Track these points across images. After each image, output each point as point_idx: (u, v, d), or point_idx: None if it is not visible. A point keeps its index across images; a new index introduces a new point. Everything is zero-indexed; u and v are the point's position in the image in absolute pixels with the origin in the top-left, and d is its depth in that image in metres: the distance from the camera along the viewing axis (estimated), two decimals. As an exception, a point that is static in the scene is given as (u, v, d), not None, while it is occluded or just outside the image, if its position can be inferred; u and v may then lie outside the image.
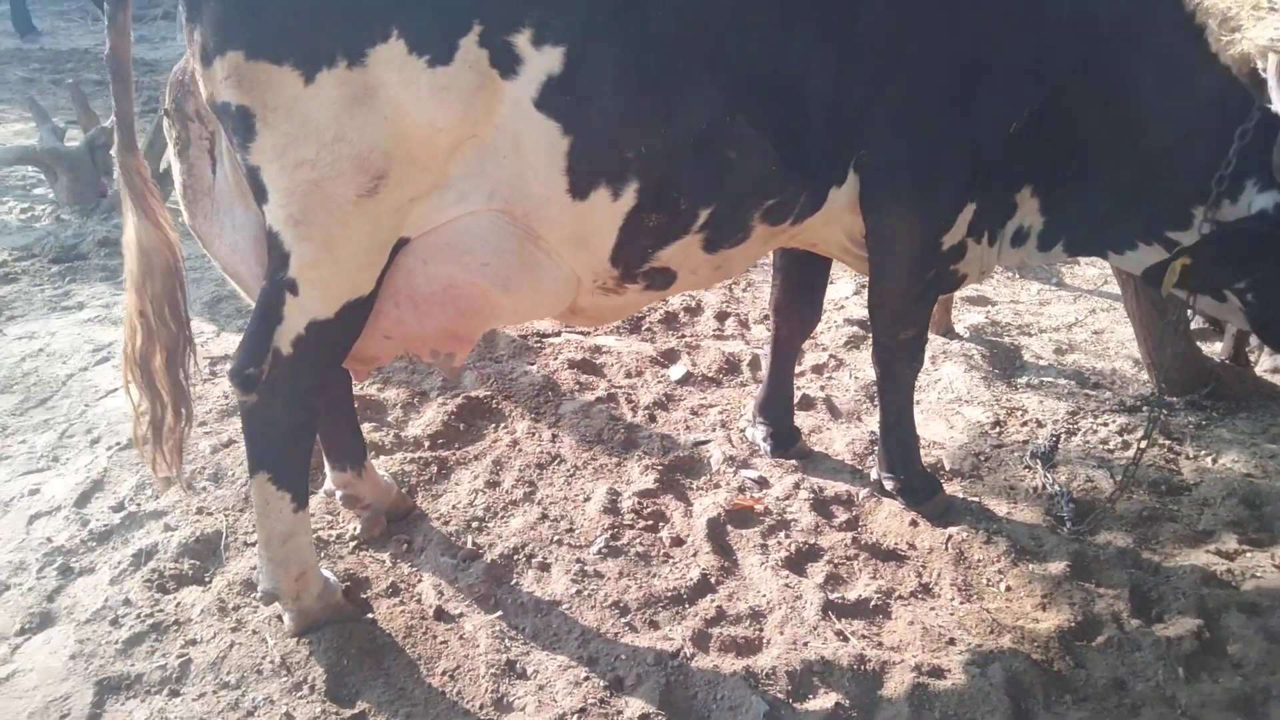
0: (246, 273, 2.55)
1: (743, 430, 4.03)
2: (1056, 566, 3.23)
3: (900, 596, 3.12)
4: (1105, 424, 4.16)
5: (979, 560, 3.29)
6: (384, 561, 3.22)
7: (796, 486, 3.63)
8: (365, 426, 3.73)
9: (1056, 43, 2.66)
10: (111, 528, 3.35)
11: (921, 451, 3.81)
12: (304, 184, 2.26)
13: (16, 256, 5.52)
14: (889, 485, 3.53)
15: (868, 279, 3.13)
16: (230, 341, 4.70)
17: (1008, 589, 3.17)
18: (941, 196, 2.82)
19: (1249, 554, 3.29)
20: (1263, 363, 4.62)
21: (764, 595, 3.08)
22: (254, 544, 3.29)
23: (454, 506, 3.49)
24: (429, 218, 2.44)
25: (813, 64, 2.48)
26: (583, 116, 2.30)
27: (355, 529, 3.33)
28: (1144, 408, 4.26)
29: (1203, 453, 3.95)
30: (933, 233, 2.88)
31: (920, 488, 3.50)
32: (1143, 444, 3.22)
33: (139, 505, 3.47)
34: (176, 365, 2.67)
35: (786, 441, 3.83)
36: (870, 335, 3.38)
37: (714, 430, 4.05)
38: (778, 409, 3.83)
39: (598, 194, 2.43)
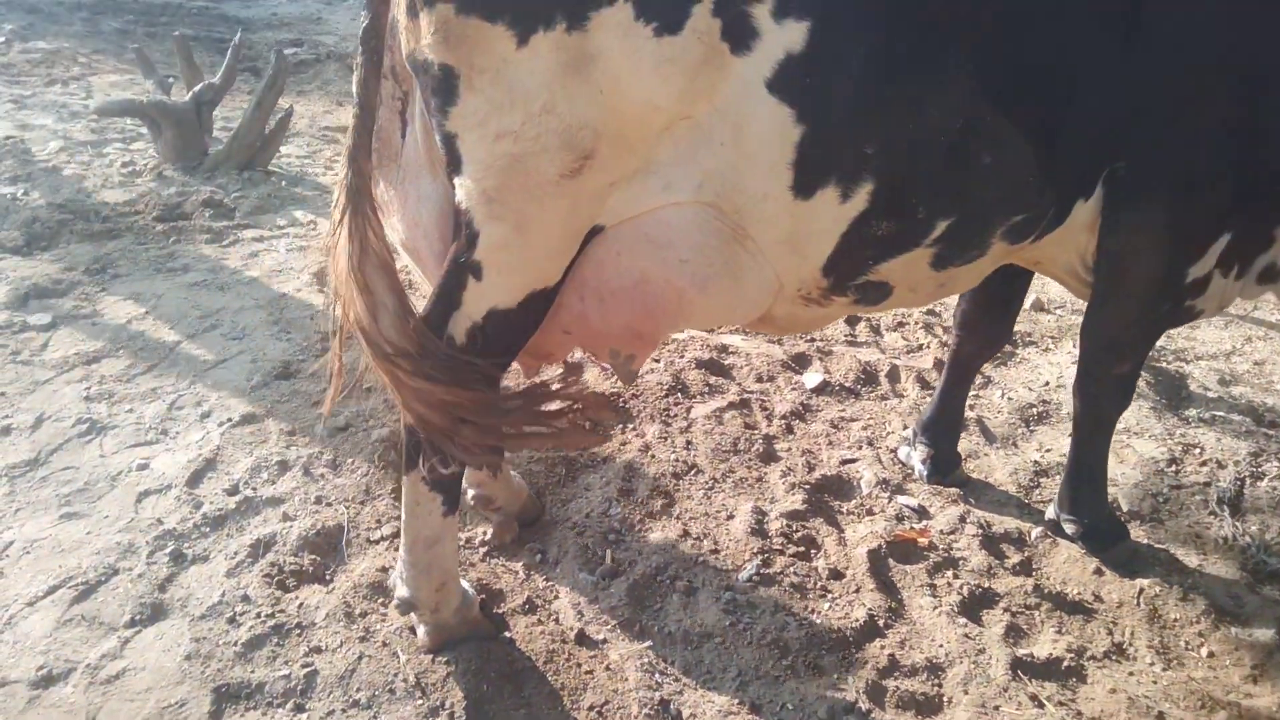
0: (427, 249, 2.27)
1: (894, 450, 3.70)
2: (1264, 633, 2.87)
3: (1093, 657, 2.78)
4: (1292, 469, 3.77)
5: (1175, 620, 2.93)
6: (517, 573, 2.96)
7: (962, 520, 3.29)
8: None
9: None
10: (226, 512, 3.12)
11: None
12: (504, 157, 1.97)
13: (121, 211, 5.33)
14: (1070, 529, 3.17)
15: (1088, 304, 2.76)
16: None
17: (1210, 655, 2.82)
18: (1199, 223, 2.45)
19: None
20: None
21: (941, 645, 2.76)
22: (377, 541, 3.06)
23: (587, 515, 3.21)
24: (628, 205, 2.14)
25: (1089, 56, 2.13)
26: (822, 103, 1.97)
27: (486, 534, 3.07)
28: (1334, 454, 3.86)
29: (1407, 510, 3.55)
30: (1180, 263, 2.52)
31: (1106, 533, 3.14)
32: None
33: (254, 490, 3.24)
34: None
35: (946, 467, 3.50)
36: (1078, 363, 2.99)
37: (860, 448, 3.73)
38: (944, 431, 3.49)
39: (825, 193, 2.10)
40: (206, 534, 3.04)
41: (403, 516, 2.48)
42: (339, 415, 3.69)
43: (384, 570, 2.91)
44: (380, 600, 2.80)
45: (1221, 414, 4.18)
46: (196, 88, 6.04)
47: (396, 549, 3.01)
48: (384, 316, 2.15)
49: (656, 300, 2.25)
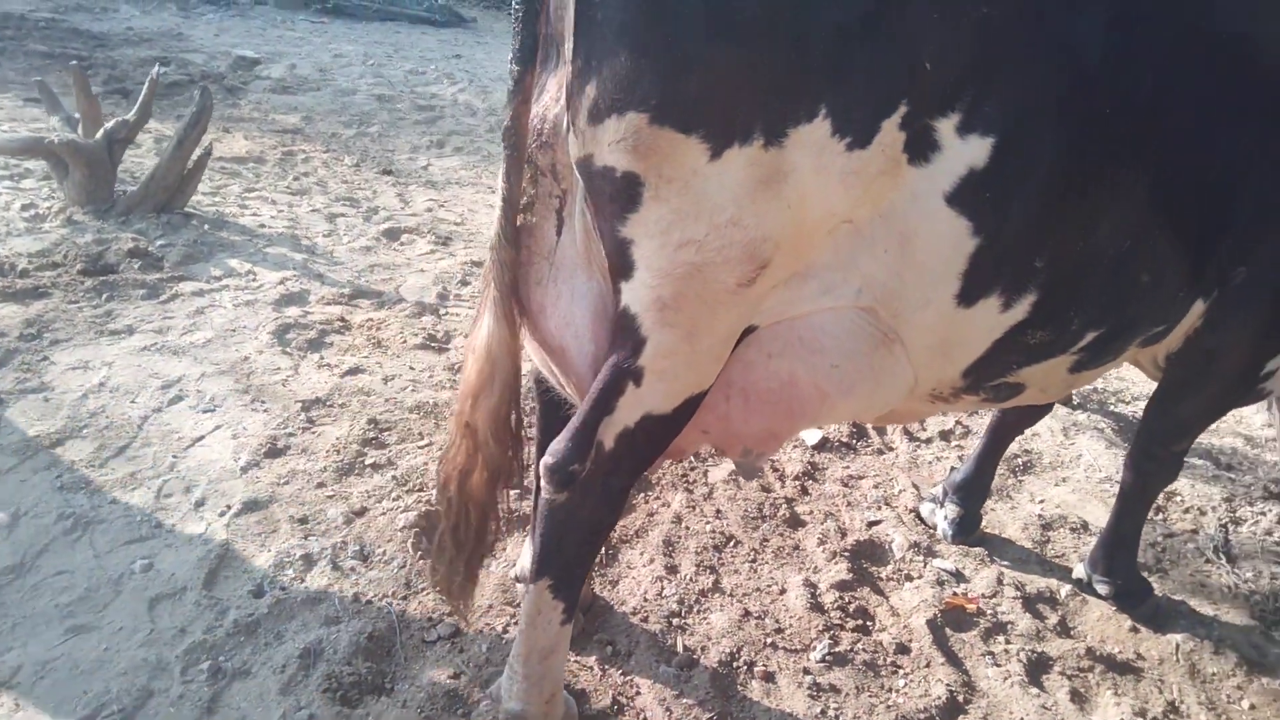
0: (575, 349, 2.15)
1: (915, 509, 3.77)
2: (1292, 682, 3.08)
3: (1156, 718, 2.90)
4: (1264, 512, 4.05)
5: (1214, 674, 3.10)
6: (592, 668, 2.84)
7: (1000, 581, 3.38)
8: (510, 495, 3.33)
9: None
10: (258, 618, 2.87)
11: (1092, 539, 3.66)
12: (684, 266, 1.89)
13: (37, 265, 4.85)
14: (1103, 589, 3.31)
15: (1158, 387, 2.89)
16: (314, 381, 4.21)
17: (1252, 708, 2.99)
18: None
19: None
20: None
21: (1022, 719, 2.82)
22: (433, 642, 2.88)
23: (643, 598, 3.12)
24: (783, 308, 2.09)
25: (1243, 176, 2.21)
26: (999, 217, 1.98)
27: (549, 627, 2.93)
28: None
29: (1365, 547, 3.88)
30: (1266, 356, 2.67)
31: (1134, 591, 3.29)
32: None
33: (284, 590, 2.99)
34: (497, 487, 2.26)
35: (971, 526, 3.59)
36: (1137, 440, 3.12)
37: (879, 508, 3.78)
38: (974, 493, 3.59)
39: (986, 303, 2.11)
40: (242, 644, 2.79)
41: (520, 626, 2.35)
42: (350, 497, 3.46)
43: (455, 677, 2.74)
44: (460, 712, 2.63)
45: (1187, 459, 4.46)
46: (108, 125, 5.57)
47: (455, 650, 2.85)
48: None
49: (801, 403, 2.21)
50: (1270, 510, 4.07)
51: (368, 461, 3.68)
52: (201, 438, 3.73)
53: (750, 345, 2.14)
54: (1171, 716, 2.93)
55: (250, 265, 5.35)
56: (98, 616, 2.84)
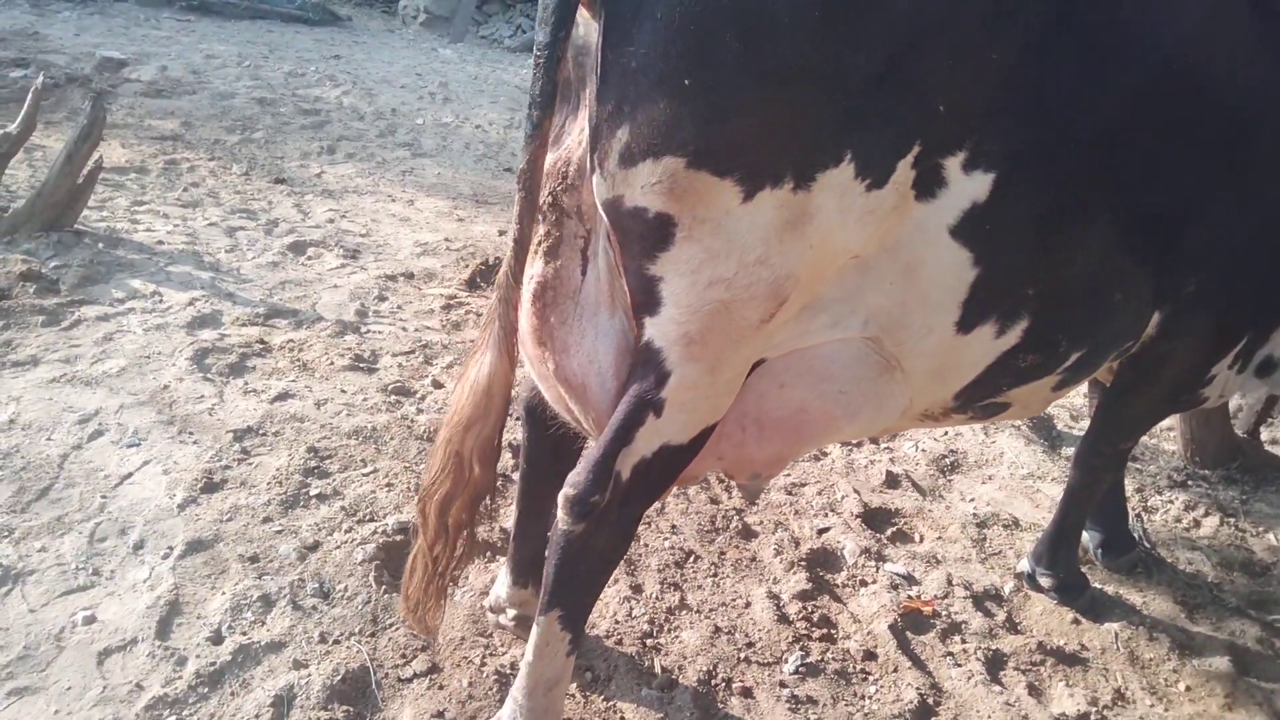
0: (598, 386, 2.16)
1: (859, 514, 3.88)
2: (1220, 662, 3.30)
3: (1107, 707, 3.07)
4: (1170, 501, 4.33)
5: (1151, 659, 3.30)
6: (574, 696, 2.82)
7: (949, 582, 3.52)
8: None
9: None
10: (220, 666, 2.74)
11: (1024, 534, 3.85)
12: (713, 303, 1.93)
13: (-81, 291, 4.50)
14: (1045, 582, 3.49)
15: (1104, 391, 3.07)
16: (242, 408, 4.04)
17: (1188, 689, 3.20)
18: (1235, 329, 2.79)
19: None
20: (1264, 435, 4.98)
21: (989, 717, 2.94)
22: (409, 679, 2.81)
23: (614, 620, 3.12)
24: (793, 339, 2.16)
25: (1203, 202, 2.36)
26: (998, 248, 2.09)
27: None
28: (1189, 483, 4.48)
29: (1260, 529, 4.19)
30: (1209, 361, 2.85)
31: (1074, 585, 3.48)
32: None
33: (245, 634, 2.86)
34: (476, 510, 2.23)
35: (1120, 549, 3.79)
36: (1086, 438, 3.30)
37: (826, 515, 3.87)
38: (1114, 516, 3.80)
39: (982, 330, 2.22)
40: (206, 695, 2.66)
41: (526, 659, 2.34)
42: (299, 531, 3.34)
43: (439, 715, 2.68)
44: (450, 750, 2.58)
45: (1093, 451, 4.73)
46: (-13, 137, 5.20)
47: (434, 687, 2.79)
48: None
49: (809, 428, 2.29)
50: (1177, 498, 4.36)
51: (312, 492, 3.56)
52: (130, 475, 3.53)
53: (763, 375, 2.20)
54: (1119, 704, 3.10)
55: (154, 286, 5.08)
56: (41, 677, 2.67)
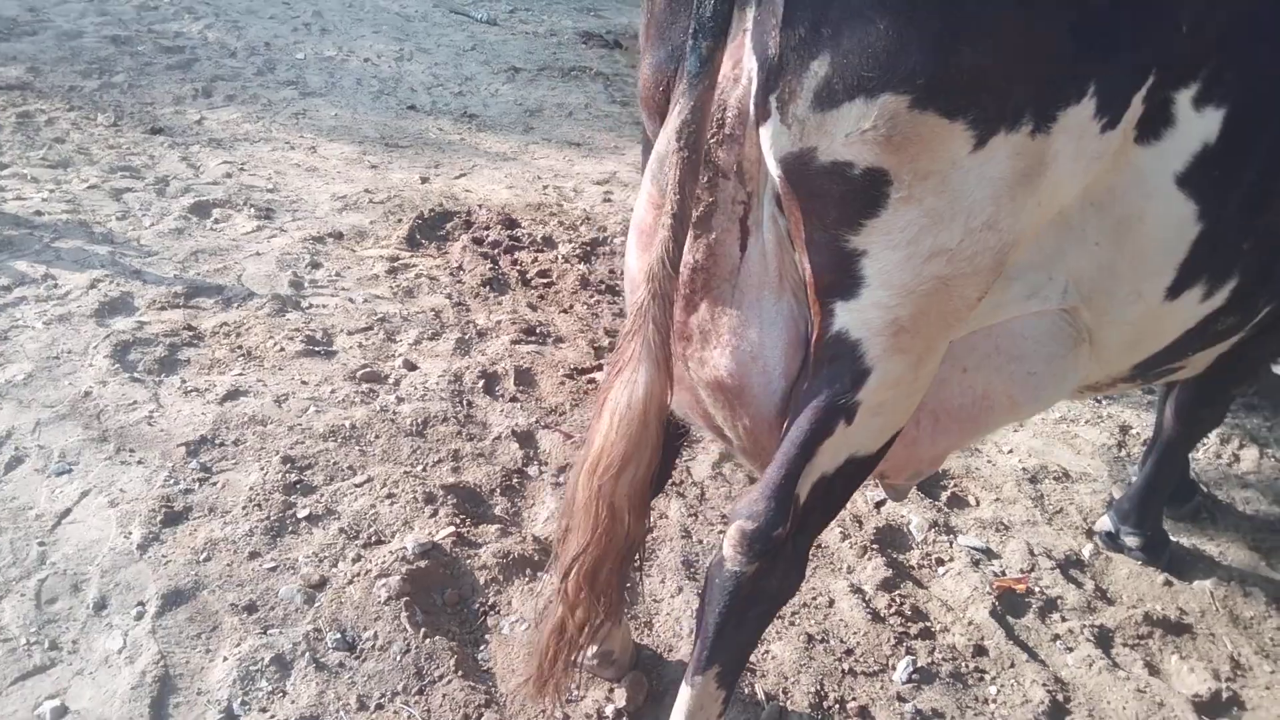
0: (760, 387, 1.70)
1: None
2: (1317, 613, 3.11)
3: (1229, 679, 2.82)
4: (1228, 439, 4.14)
5: (1252, 618, 3.08)
6: (677, 743, 2.39)
7: (1031, 552, 3.21)
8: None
9: None
10: (243, 758, 2.20)
11: (1077, 487, 3.60)
12: (931, 280, 1.49)
13: None
14: (1132, 542, 3.21)
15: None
16: (186, 414, 3.37)
17: (1295, 649, 2.99)
18: None
19: None
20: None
21: (1126, 709, 2.65)
22: (478, 747, 2.32)
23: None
24: (983, 316, 1.73)
25: None
26: (1225, 199, 1.70)
27: (612, 700, 2.45)
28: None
29: (1297, 457, 4.05)
30: None
31: (1160, 543, 3.23)
32: None
33: (265, 710, 2.31)
34: (629, 569, 1.75)
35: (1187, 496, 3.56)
36: (1194, 387, 2.99)
37: (874, 484, 3.51)
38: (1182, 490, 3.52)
39: (1191, 293, 1.84)
40: (233, 800, 2.12)
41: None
42: (297, 565, 2.76)
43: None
44: (554, 836, 2.12)
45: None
46: None
47: (510, 750, 2.31)
48: None
49: (990, 416, 1.89)
50: (1228, 441, 4.18)
51: (300, 514, 2.97)
52: (68, 511, 2.87)
53: (944, 361, 1.76)
54: (1240, 674, 2.87)
55: (44, 267, 4.27)
56: (11, 801, 2.07)
